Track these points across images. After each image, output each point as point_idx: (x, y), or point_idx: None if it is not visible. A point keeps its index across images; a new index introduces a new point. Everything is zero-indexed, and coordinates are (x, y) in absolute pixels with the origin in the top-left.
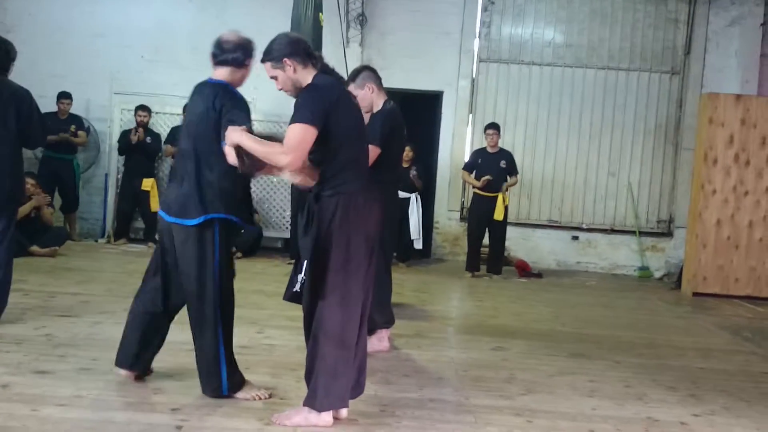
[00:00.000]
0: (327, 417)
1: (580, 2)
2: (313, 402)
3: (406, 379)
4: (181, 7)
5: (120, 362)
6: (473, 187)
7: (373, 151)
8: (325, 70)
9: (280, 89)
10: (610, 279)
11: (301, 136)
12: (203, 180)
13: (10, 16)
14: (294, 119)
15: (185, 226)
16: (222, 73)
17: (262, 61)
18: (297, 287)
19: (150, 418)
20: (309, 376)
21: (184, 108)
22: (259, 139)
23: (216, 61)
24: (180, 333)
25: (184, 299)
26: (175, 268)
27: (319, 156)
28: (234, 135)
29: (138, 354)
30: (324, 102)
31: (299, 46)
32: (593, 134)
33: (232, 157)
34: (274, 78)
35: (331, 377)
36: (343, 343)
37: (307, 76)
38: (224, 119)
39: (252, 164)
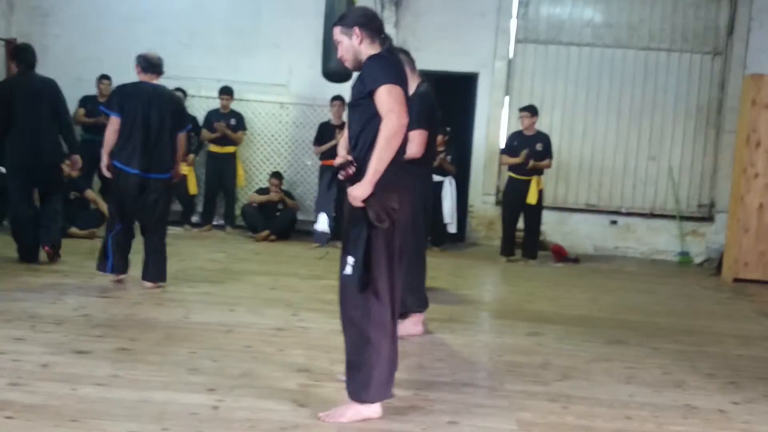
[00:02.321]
0: (377, 407)
1: None
2: (364, 395)
3: (439, 363)
4: None
5: (121, 270)
6: (508, 168)
7: (421, 136)
8: (390, 51)
9: (340, 56)
10: (649, 264)
11: (393, 94)
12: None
13: (48, 0)
14: (373, 84)
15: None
16: (154, 78)
17: (334, 24)
18: (348, 270)
19: (187, 398)
20: (355, 368)
21: (125, 93)
22: (373, 159)
23: (147, 72)
24: (217, 315)
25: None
26: (139, 206)
27: (363, 130)
28: (358, 192)
29: (127, 261)
30: (393, 68)
31: (373, 21)
32: (633, 116)
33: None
34: (339, 43)
35: (380, 368)
36: (389, 331)
37: (370, 51)
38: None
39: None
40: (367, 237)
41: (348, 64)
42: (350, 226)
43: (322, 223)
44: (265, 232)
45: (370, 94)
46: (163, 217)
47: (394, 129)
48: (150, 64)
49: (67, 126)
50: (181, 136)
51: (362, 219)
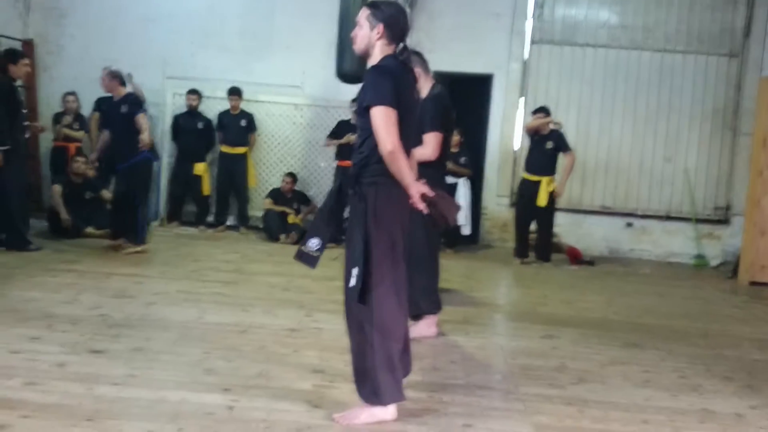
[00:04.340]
0: (392, 409)
1: None
2: (377, 398)
3: (453, 365)
4: None
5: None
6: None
7: (436, 138)
8: (404, 60)
9: (353, 35)
10: (664, 267)
11: (385, 118)
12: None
13: (64, 1)
14: (369, 101)
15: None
16: (123, 90)
17: (366, 5)
18: (353, 282)
19: (202, 398)
20: (363, 373)
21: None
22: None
23: (120, 83)
24: (231, 315)
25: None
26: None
27: (367, 138)
28: (415, 191)
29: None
30: (393, 82)
31: (400, 25)
32: (648, 118)
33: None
34: (359, 25)
35: (390, 370)
36: (396, 333)
37: (380, 51)
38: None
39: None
40: (365, 244)
41: (355, 47)
42: (350, 233)
43: (313, 246)
44: (291, 235)
45: (367, 109)
46: None
47: (386, 157)
48: (120, 79)
49: None
50: None
51: (358, 226)
